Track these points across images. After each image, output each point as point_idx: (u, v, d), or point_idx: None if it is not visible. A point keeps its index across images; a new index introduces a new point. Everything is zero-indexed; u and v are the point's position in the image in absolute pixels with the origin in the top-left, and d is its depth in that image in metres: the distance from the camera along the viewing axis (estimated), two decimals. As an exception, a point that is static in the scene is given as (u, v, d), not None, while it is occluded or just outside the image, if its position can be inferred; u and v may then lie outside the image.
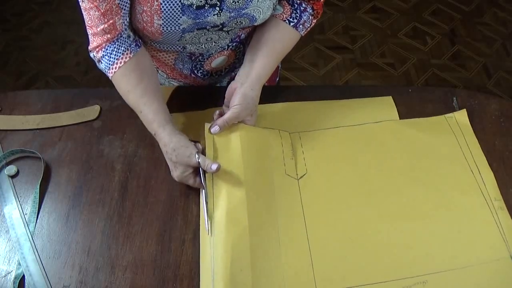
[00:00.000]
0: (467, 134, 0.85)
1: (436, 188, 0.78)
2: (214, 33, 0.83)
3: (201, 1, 0.75)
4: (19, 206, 0.77)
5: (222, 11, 0.77)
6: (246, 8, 0.78)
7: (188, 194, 0.78)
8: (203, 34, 0.82)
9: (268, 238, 0.71)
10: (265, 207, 0.74)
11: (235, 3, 0.77)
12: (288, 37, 0.86)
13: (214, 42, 0.86)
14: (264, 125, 0.86)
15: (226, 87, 0.83)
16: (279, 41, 0.85)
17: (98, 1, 0.72)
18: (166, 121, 0.76)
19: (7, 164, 0.82)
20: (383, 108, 0.90)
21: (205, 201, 0.72)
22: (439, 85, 2.14)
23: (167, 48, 0.86)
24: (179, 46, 0.85)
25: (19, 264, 0.70)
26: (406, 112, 0.89)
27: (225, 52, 0.90)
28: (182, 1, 0.74)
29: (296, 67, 2.22)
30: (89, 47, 0.79)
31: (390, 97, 0.92)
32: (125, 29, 0.78)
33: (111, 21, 0.74)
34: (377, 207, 0.76)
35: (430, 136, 0.85)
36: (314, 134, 0.86)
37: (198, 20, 0.77)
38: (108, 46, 0.77)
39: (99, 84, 2.09)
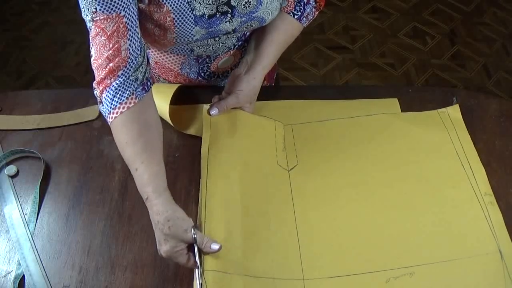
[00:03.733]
0: (459, 129, 0.86)
1: (426, 181, 0.78)
2: (223, 36, 0.83)
3: (212, 10, 0.75)
4: (19, 206, 0.77)
5: (233, 17, 0.78)
6: (256, 11, 0.79)
7: (188, 194, 0.78)
8: (210, 37, 0.82)
9: (258, 223, 0.72)
10: (257, 194, 0.75)
11: (246, 8, 0.78)
12: (291, 28, 0.88)
13: (222, 43, 0.86)
14: (263, 114, 0.88)
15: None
16: (283, 32, 0.87)
17: (106, 22, 0.67)
18: (164, 188, 0.67)
19: (7, 164, 0.82)
20: (387, 109, 0.89)
21: (199, 281, 0.63)
22: (439, 85, 2.14)
23: (174, 51, 0.86)
24: (187, 49, 0.86)
25: (19, 264, 0.70)
26: (406, 112, 0.89)
27: (231, 51, 0.91)
28: (194, 12, 0.74)
29: (296, 67, 2.22)
30: (93, 83, 0.71)
31: (396, 99, 0.91)
32: (131, 65, 0.69)
33: (116, 45, 0.67)
34: (367, 198, 0.76)
35: (423, 130, 0.85)
36: (307, 126, 0.87)
37: (210, 29, 0.78)
38: (112, 85, 0.68)
39: (99, 84, 2.10)
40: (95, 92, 0.71)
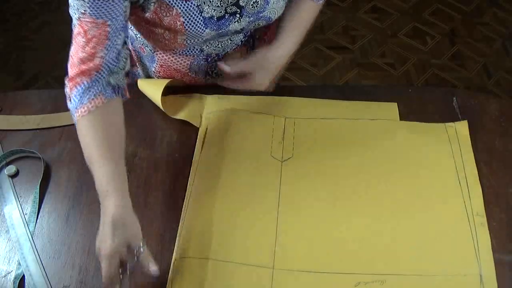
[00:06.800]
0: (463, 145, 0.83)
1: (418, 191, 0.77)
2: (232, 34, 0.84)
3: (220, 12, 0.76)
4: (19, 206, 0.77)
5: (242, 17, 0.79)
6: (264, 11, 0.80)
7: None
8: (219, 36, 0.83)
9: (237, 208, 0.75)
10: (242, 182, 0.78)
11: (254, 8, 0.78)
12: (307, 10, 0.87)
13: (230, 40, 0.87)
14: (262, 110, 0.89)
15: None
16: (298, 16, 0.86)
17: (90, 25, 0.67)
18: (125, 188, 0.66)
19: (7, 164, 0.82)
20: (385, 112, 0.89)
21: None
22: (439, 85, 2.14)
23: (184, 52, 0.87)
24: (197, 50, 0.86)
25: (19, 264, 0.70)
26: (406, 112, 0.89)
27: (239, 48, 0.91)
28: (203, 15, 0.75)
29: (296, 67, 2.22)
30: (65, 79, 0.72)
31: (395, 104, 0.90)
32: (104, 71, 0.70)
33: (92, 51, 0.68)
34: (353, 200, 0.76)
35: (425, 141, 0.84)
36: (309, 122, 0.87)
37: (220, 31, 0.79)
38: (83, 83, 0.69)
39: (99, 84, 2.10)
40: (65, 89, 0.72)
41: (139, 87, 0.91)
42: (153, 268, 0.63)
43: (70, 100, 0.70)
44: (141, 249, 0.63)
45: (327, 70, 2.21)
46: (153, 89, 0.88)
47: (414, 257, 0.69)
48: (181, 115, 0.87)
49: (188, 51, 0.86)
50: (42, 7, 2.58)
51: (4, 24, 2.50)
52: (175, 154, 0.83)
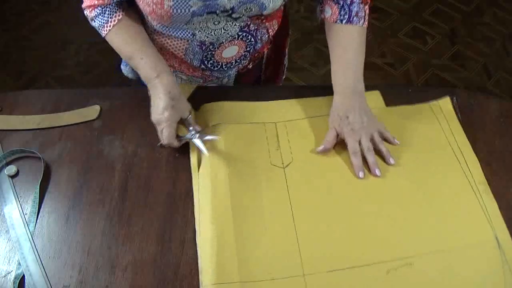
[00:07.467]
0: (451, 120, 0.87)
1: (420, 172, 0.79)
2: (223, 18, 0.82)
3: None
4: (19, 206, 0.77)
5: None
6: None
7: (188, 194, 0.78)
8: (211, 19, 0.82)
9: (253, 224, 0.72)
10: (250, 197, 0.75)
11: None
12: (347, 35, 0.86)
13: (224, 29, 0.86)
14: (251, 119, 0.87)
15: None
16: (338, 45, 0.86)
17: None
18: (169, 70, 0.80)
19: (7, 164, 0.82)
20: (371, 100, 0.90)
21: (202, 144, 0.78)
22: (439, 85, 2.14)
23: (176, 34, 0.86)
24: (189, 33, 0.85)
25: (19, 264, 0.70)
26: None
27: (236, 41, 0.90)
28: None
29: (296, 67, 2.22)
30: (82, 5, 0.82)
31: (378, 91, 0.93)
32: (113, 2, 0.80)
33: None
34: (362, 191, 0.77)
35: (414, 123, 0.86)
36: (300, 123, 0.87)
37: (208, 2, 0.77)
38: (98, 7, 0.80)
39: (99, 84, 2.10)
40: (85, 13, 0.83)
41: None
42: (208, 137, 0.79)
43: (94, 20, 0.82)
44: (189, 117, 0.80)
45: (327, 70, 2.19)
46: None
47: (433, 235, 0.72)
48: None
49: (181, 33, 0.85)
50: (42, 7, 2.58)
51: (4, 24, 2.50)
52: (175, 154, 0.83)
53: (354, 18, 0.85)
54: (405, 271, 0.68)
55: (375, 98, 0.92)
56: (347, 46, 0.85)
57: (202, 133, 0.80)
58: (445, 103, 0.90)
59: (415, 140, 0.84)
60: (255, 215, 0.73)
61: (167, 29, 0.85)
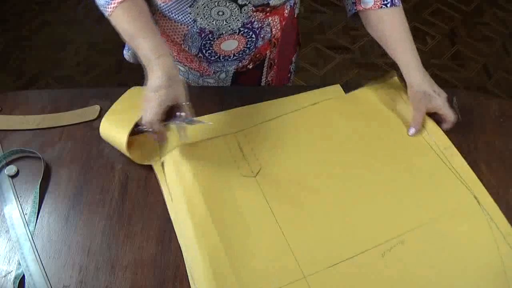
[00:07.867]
0: (404, 93, 0.90)
1: (391, 152, 0.82)
2: (227, 6, 0.83)
3: None
4: (19, 206, 0.77)
5: None
6: None
7: (188, 194, 0.78)
8: (214, 6, 0.82)
9: (240, 238, 0.71)
10: (230, 213, 0.73)
11: None
12: (397, 16, 0.89)
13: (226, 21, 0.86)
14: (209, 134, 0.84)
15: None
16: (393, 28, 0.90)
17: None
18: (169, 52, 0.76)
19: (7, 164, 0.82)
20: (333, 92, 0.94)
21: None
22: (439, 85, 2.14)
23: (178, 17, 0.86)
24: (190, 18, 0.85)
25: (19, 264, 0.70)
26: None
27: (236, 36, 0.90)
28: None
29: (296, 67, 2.22)
30: None
31: (338, 85, 0.96)
32: None
33: None
34: (338, 180, 0.77)
35: (375, 104, 0.90)
36: (258, 128, 0.86)
37: None
38: None
39: (99, 84, 2.10)
40: None
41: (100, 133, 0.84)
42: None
43: None
44: (187, 104, 0.73)
45: (327, 70, 2.21)
46: (116, 132, 0.80)
47: (416, 209, 0.74)
48: (137, 159, 0.80)
49: (182, 17, 0.86)
50: (42, 7, 2.58)
51: (4, 24, 2.50)
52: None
53: (396, 0, 0.88)
54: (399, 250, 0.69)
55: (336, 90, 0.97)
56: (401, 27, 0.89)
57: (189, 121, 0.74)
58: (391, 75, 0.97)
59: (379, 121, 0.87)
60: (238, 229, 0.72)
61: (170, 11, 0.85)
